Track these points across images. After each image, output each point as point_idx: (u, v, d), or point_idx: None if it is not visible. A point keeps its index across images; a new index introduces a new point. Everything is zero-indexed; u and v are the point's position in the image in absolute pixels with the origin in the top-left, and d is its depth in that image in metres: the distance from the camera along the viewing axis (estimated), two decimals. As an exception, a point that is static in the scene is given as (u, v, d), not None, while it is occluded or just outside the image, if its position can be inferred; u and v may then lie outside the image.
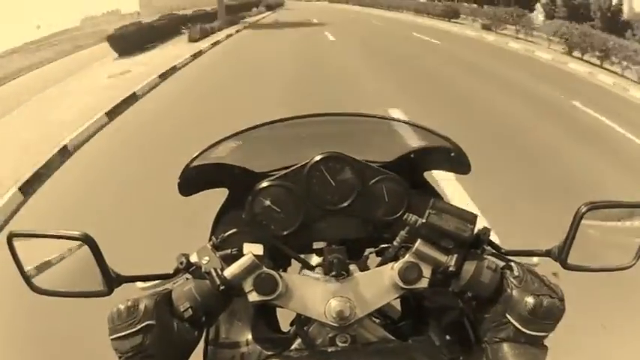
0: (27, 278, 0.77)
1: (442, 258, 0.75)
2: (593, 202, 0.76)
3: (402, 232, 0.80)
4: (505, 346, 0.72)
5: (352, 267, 0.83)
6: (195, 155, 0.94)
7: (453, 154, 0.98)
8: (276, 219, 0.96)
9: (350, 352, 0.76)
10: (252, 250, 0.77)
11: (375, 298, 0.77)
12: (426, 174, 1.09)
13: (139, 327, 0.70)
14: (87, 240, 0.73)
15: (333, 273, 0.78)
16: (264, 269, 0.75)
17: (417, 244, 0.76)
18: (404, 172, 1.00)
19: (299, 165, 0.97)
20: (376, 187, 0.97)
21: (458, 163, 0.99)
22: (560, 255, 0.77)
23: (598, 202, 0.76)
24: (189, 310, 0.74)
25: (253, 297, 0.75)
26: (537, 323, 0.70)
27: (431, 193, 1.04)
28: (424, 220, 0.75)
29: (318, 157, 0.96)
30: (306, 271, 0.88)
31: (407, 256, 0.76)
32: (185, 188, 0.98)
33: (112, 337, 0.71)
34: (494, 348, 0.73)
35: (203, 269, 0.77)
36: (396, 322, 0.95)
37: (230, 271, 0.75)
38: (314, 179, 0.96)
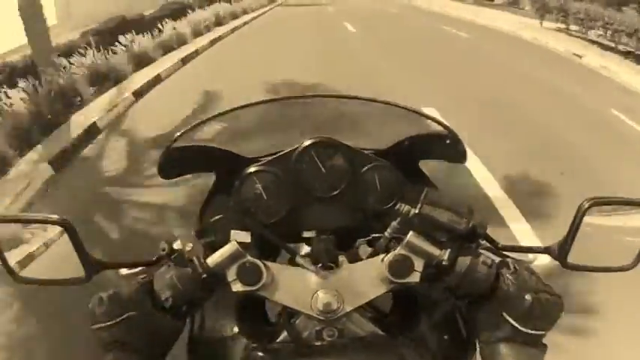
0: (8, 266, 0.73)
1: (435, 251, 0.72)
2: (596, 197, 0.72)
3: (394, 223, 0.77)
4: (502, 347, 0.68)
5: (341, 258, 0.80)
6: (177, 135, 0.90)
7: (448, 142, 0.94)
8: (264, 206, 0.92)
9: (337, 347, 0.74)
10: (239, 238, 0.74)
11: (364, 292, 0.74)
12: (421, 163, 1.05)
13: (119, 319, 0.68)
14: (65, 225, 0.70)
15: (321, 264, 0.75)
16: (249, 258, 0.71)
17: (408, 236, 0.72)
18: (398, 161, 0.96)
19: (288, 150, 0.93)
20: (368, 175, 0.94)
21: (454, 150, 0.96)
22: (560, 253, 0.73)
23: (601, 197, 0.72)
24: (170, 299, 0.71)
25: (237, 287, 0.71)
26: (535, 322, 0.67)
27: (426, 183, 1.01)
28: (417, 211, 0.72)
29: (307, 142, 0.92)
30: (293, 261, 0.85)
31: (398, 248, 0.72)
32: (167, 170, 0.94)
33: (93, 327, 0.69)
34: (491, 348, 0.70)
35: (186, 256, 0.74)
36: (386, 317, 0.92)
37: (213, 259, 0.72)
38: (303, 165, 0.92)
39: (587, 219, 0.72)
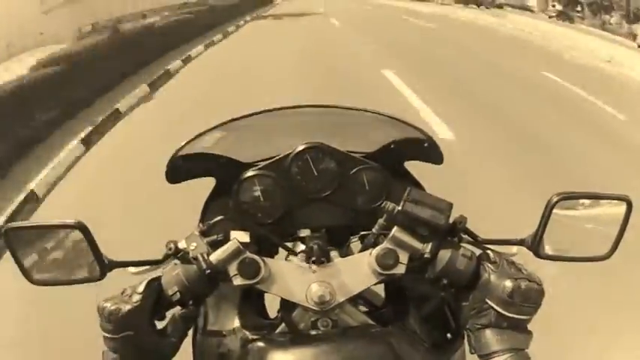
0: (24, 270, 0.79)
1: (418, 245, 0.78)
2: (565, 192, 0.78)
3: (381, 220, 0.83)
4: (488, 332, 0.73)
5: (333, 253, 0.86)
6: (182, 144, 0.97)
7: (426, 145, 1.01)
8: (261, 207, 0.99)
9: (330, 335, 0.79)
10: (239, 237, 0.80)
11: (355, 284, 0.80)
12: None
13: (117, 336, 0.73)
14: (80, 227, 0.76)
15: (314, 259, 0.81)
16: (248, 254, 0.78)
17: (393, 231, 0.78)
18: (385, 162, 1.03)
19: (282, 155, 1.00)
20: (357, 176, 1.01)
21: (431, 153, 1.03)
22: (533, 244, 0.79)
23: (570, 192, 0.78)
24: (177, 294, 0.77)
25: (238, 281, 0.78)
26: (517, 306, 0.71)
27: (411, 182, 1.07)
28: (400, 208, 0.78)
29: (300, 147, 0.99)
30: (289, 257, 0.91)
31: (384, 242, 0.79)
32: (173, 176, 1.01)
33: (104, 335, 0.74)
34: (477, 335, 0.74)
35: (191, 255, 0.80)
36: (379, 310, 0.98)
37: (215, 256, 0.78)
38: (297, 168, 0.99)
39: (560, 212, 0.78)
